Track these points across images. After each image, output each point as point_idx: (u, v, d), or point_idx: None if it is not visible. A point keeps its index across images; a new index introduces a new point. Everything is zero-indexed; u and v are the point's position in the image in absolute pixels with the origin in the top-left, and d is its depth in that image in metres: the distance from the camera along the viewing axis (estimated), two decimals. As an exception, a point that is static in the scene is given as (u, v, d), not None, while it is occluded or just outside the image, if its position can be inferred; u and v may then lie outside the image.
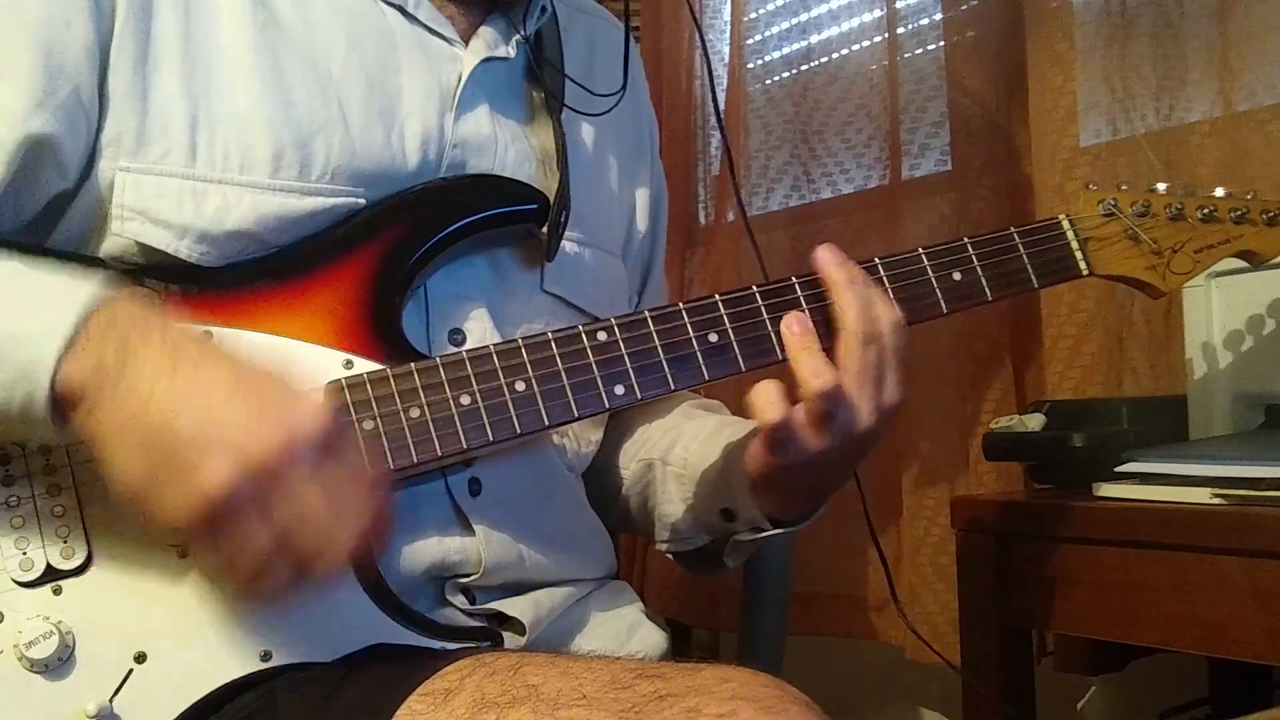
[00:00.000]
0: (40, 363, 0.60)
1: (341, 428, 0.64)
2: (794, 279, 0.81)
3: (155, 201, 0.72)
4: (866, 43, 1.62)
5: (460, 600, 0.78)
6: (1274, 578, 0.84)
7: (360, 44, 0.80)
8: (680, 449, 0.93)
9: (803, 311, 0.78)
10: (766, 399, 0.75)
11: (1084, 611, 0.98)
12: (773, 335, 0.79)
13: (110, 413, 0.61)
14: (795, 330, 0.77)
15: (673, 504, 0.93)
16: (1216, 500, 0.89)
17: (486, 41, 0.85)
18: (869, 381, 0.76)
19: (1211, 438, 1.04)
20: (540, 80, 0.89)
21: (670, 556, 0.98)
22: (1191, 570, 0.89)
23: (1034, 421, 1.13)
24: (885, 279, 0.82)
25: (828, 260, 0.79)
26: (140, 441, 0.60)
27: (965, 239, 0.85)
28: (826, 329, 0.78)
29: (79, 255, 0.73)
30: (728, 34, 1.79)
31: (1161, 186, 0.92)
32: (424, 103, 0.81)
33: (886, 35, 1.56)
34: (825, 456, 0.76)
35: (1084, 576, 0.98)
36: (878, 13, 1.59)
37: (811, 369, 0.75)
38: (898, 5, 1.55)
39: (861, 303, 0.77)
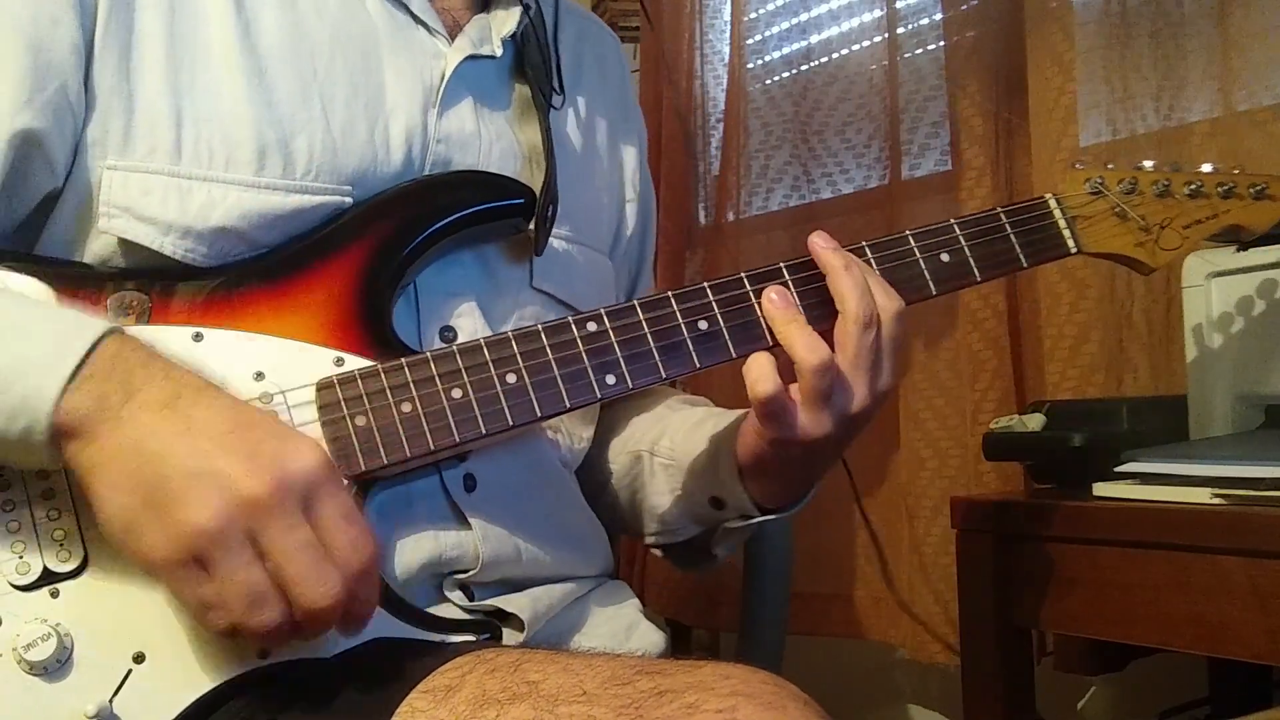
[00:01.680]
0: (43, 393, 0.60)
1: (335, 469, 0.64)
2: (782, 264, 0.80)
3: (141, 198, 0.72)
4: (866, 43, 1.62)
5: (458, 596, 0.78)
6: (1274, 578, 0.84)
7: (344, 43, 0.80)
8: (668, 440, 0.93)
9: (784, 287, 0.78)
10: (760, 371, 0.74)
11: (1084, 611, 0.98)
12: (762, 321, 0.78)
13: (105, 446, 0.61)
14: (776, 301, 0.77)
15: (661, 495, 0.93)
16: (1216, 500, 0.89)
17: (472, 39, 0.85)
18: (865, 366, 0.76)
19: (1211, 438, 1.04)
20: (527, 77, 0.89)
21: (659, 553, 0.97)
22: (1191, 570, 0.89)
23: (1034, 421, 1.13)
24: (873, 261, 0.82)
25: (823, 246, 0.79)
26: (131, 475, 0.60)
27: (952, 220, 0.85)
28: (822, 311, 0.78)
29: (90, 274, 0.73)
30: (728, 34, 1.79)
31: (1148, 164, 0.92)
32: (408, 100, 0.81)
33: (886, 35, 1.56)
34: (818, 436, 0.76)
35: (1083, 576, 0.98)
36: (878, 13, 1.59)
37: (806, 344, 0.74)
38: (898, 5, 1.55)
39: (861, 289, 0.76)
